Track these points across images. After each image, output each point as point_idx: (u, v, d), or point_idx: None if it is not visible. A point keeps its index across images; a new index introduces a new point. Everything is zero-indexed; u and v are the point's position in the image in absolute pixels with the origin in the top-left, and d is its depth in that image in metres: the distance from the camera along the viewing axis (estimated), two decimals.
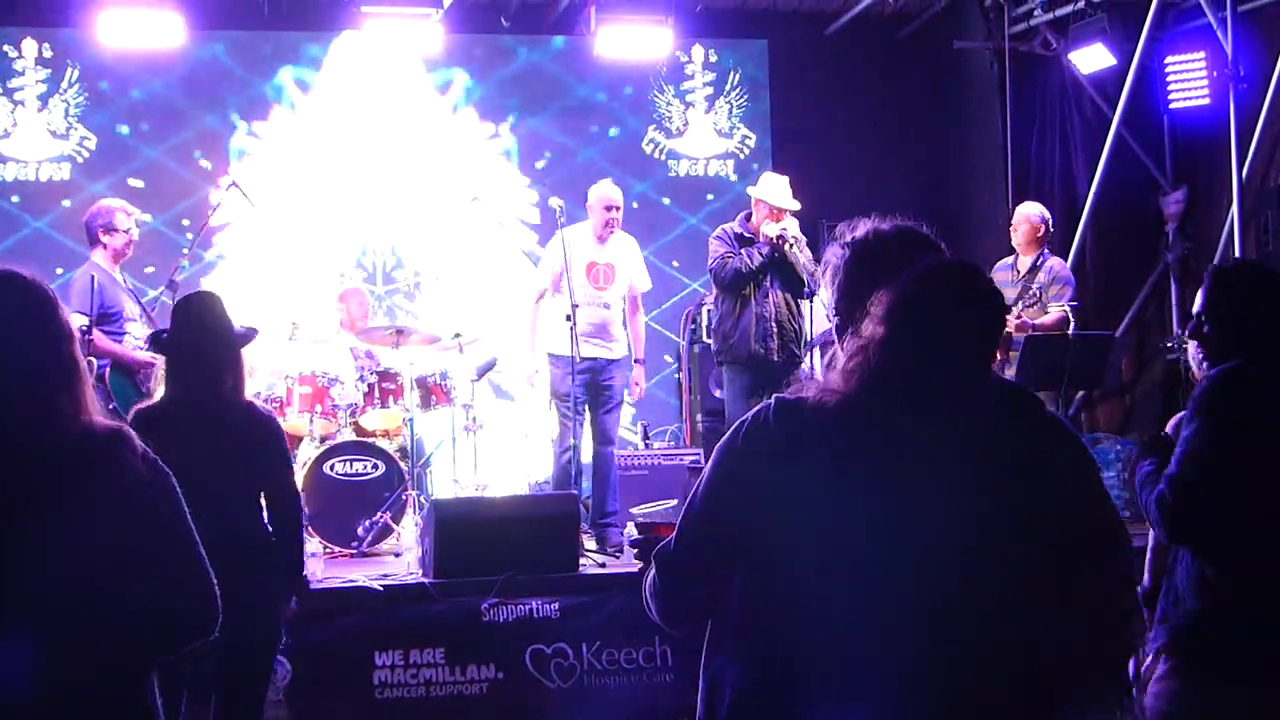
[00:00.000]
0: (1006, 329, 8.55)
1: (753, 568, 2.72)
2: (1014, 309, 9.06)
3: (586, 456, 9.14)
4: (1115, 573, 2.82)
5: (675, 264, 12.17)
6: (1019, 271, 9.40)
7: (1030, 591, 2.68)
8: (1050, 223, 9.60)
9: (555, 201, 8.95)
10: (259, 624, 5.08)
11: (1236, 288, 4.14)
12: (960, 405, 2.69)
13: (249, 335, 5.43)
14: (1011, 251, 9.51)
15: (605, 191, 9.16)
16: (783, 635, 2.68)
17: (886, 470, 2.64)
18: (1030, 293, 9.24)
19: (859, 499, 2.64)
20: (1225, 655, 3.86)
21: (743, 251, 8.80)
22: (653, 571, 2.86)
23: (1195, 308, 4.20)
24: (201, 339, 5.15)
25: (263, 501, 5.23)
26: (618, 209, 9.11)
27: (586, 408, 8.94)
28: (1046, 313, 9.21)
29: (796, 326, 8.81)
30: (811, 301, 8.84)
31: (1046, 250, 9.50)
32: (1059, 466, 2.78)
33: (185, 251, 9.56)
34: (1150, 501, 3.93)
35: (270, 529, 5.24)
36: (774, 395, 2.77)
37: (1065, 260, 11.27)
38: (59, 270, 10.52)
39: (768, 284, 8.81)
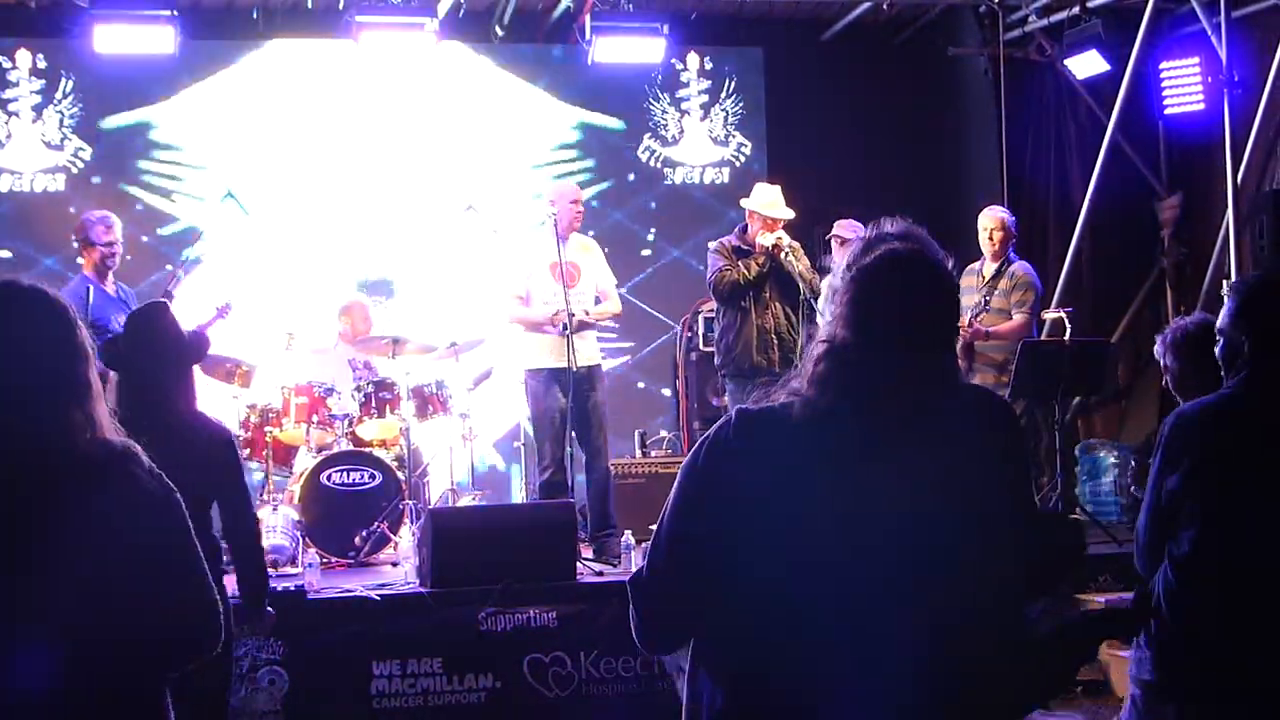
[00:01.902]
0: (961, 336, 8.46)
1: (723, 587, 2.68)
2: (967, 316, 8.91)
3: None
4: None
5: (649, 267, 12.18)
6: (984, 277, 9.23)
7: (996, 592, 2.69)
8: (1014, 226, 9.43)
9: (550, 210, 8.90)
10: None
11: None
12: (924, 405, 2.68)
13: (199, 345, 5.36)
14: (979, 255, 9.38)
15: (570, 188, 9.05)
16: (755, 656, 2.66)
17: (855, 476, 2.63)
18: (990, 300, 9.10)
19: (828, 506, 2.62)
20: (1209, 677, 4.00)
21: (739, 263, 8.81)
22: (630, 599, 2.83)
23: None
24: (147, 355, 5.11)
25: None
26: (582, 205, 9.00)
27: (571, 421, 8.77)
28: (1010, 319, 9.08)
29: (795, 337, 8.79)
30: (809, 309, 8.82)
31: (1012, 254, 9.33)
32: (1010, 474, 2.81)
33: (183, 261, 9.57)
34: None
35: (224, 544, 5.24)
36: (736, 408, 2.77)
37: (1061, 266, 11.30)
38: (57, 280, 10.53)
39: (767, 295, 8.82)
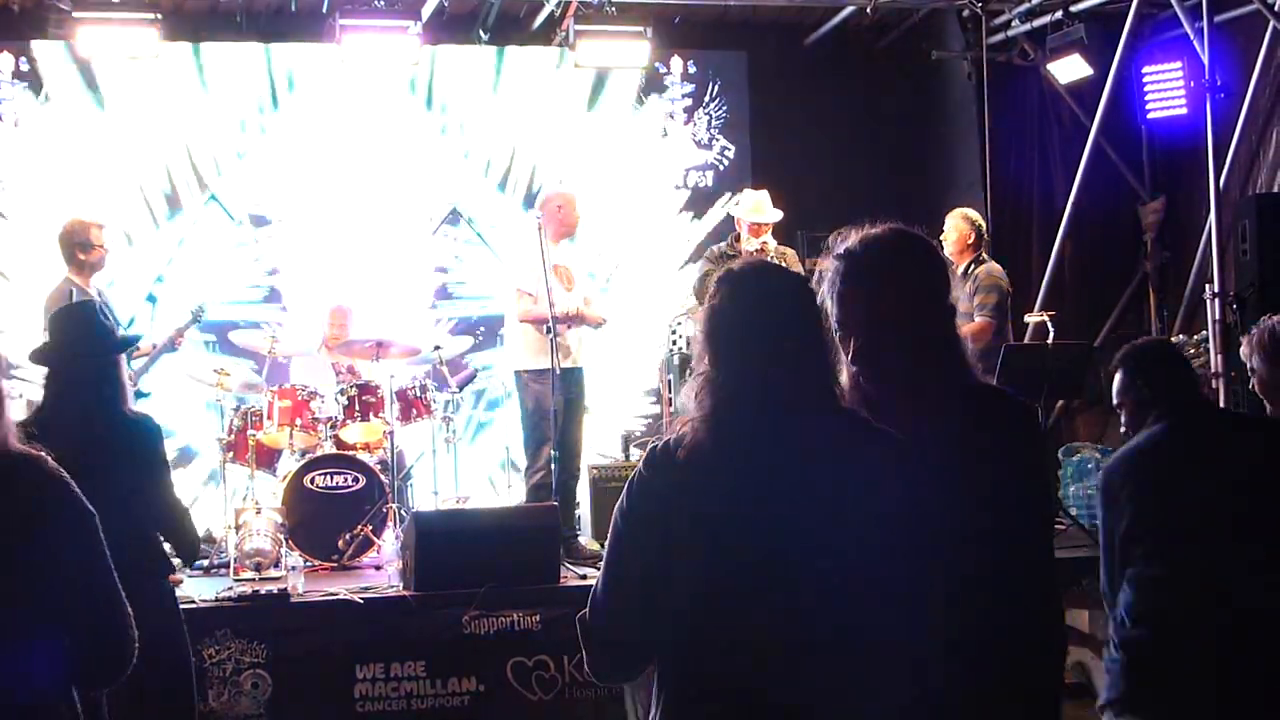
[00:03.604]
0: None
1: (663, 619, 2.71)
2: None
3: None
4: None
5: (657, 274, 12.18)
6: None
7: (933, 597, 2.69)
8: (983, 229, 9.19)
9: (535, 213, 8.91)
10: (154, 624, 4.97)
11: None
12: (806, 411, 2.70)
13: (126, 342, 5.31)
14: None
15: (567, 193, 9.10)
16: (700, 687, 2.68)
17: (759, 493, 2.65)
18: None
19: (741, 525, 2.64)
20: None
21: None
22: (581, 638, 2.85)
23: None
24: (65, 351, 5.02)
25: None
26: (567, 209, 9.03)
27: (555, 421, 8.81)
28: (973, 321, 8.73)
29: None
30: None
31: (985, 256, 9.09)
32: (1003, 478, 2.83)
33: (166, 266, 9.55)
34: None
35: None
36: (650, 444, 2.81)
37: (1044, 270, 11.32)
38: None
39: None
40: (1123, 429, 4.57)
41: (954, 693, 2.67)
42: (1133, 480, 4.32)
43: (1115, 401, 4.58)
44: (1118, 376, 4.56)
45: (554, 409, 8.56)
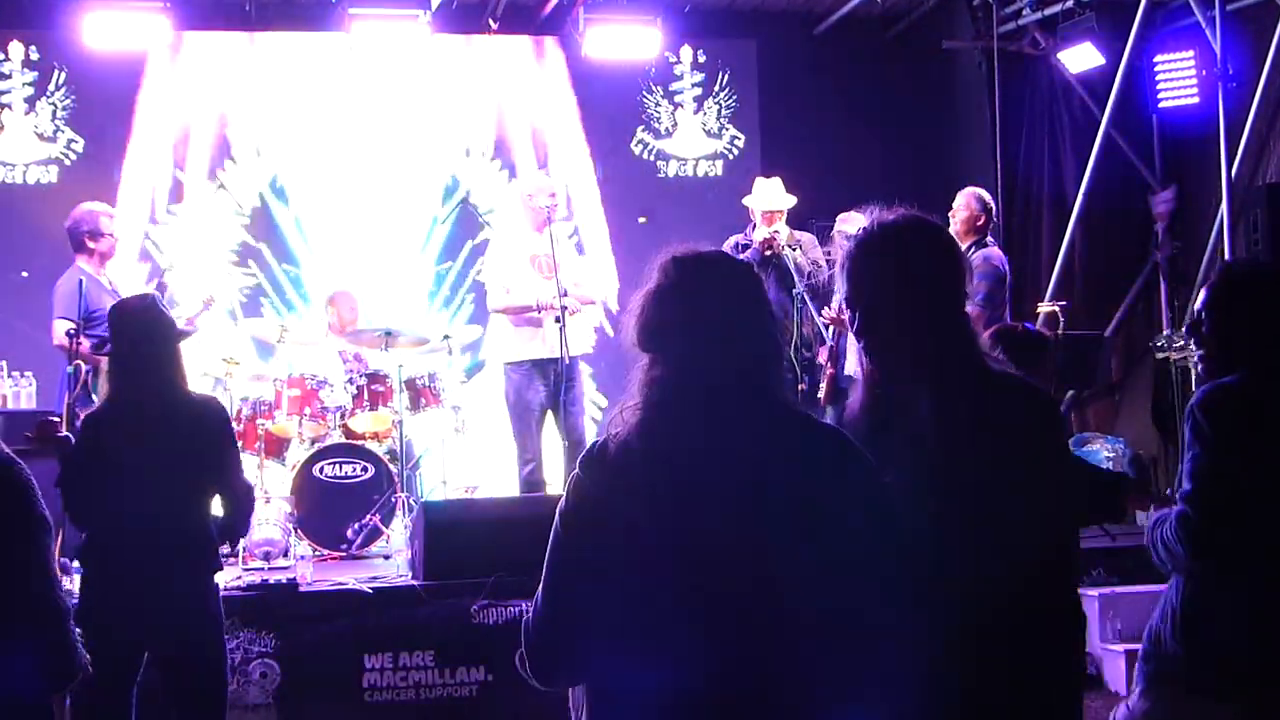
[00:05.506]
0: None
1: (601, 621, 2.70)
2: None
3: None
4: None
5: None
6: None
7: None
8: (992, 211, 8.91)
9: (527, 203, 8.89)
10: (194, 623, 5.02)
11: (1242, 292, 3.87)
12: (740, 407, 2.66)
13: (187, 332, 5.49)
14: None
15: (543, 181, 9.14)
16: (627, 692, 2.67)
17: (690, 496, 2.61)
18: None
19: (671, 522, 2.61)
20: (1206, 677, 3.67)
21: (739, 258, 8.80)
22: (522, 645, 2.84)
23: (1198, 306, 3.94)
24: (138, 340, 5.16)
25: (212, 497, 5.21)
26: (555, 196, 9.05)
27: (550, 414, 8.85)
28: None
29: (790, 328, 8.78)
30: (801, 301, 8.81)
31: (990, 240, 8.84)
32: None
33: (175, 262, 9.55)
34: (1169, 528, 3.65)
35: (220, 521, 5.26)
36: (581, 454, 2.77)
37: (1055, 260, 11.29)
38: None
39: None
40: (1197, 353, 3.96)
41: (947, 690, 2.64)
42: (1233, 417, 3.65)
43: (1201, 317, 3.91)
44: (1217, 292, 3.91)
45: (559, 399, 8.59)
